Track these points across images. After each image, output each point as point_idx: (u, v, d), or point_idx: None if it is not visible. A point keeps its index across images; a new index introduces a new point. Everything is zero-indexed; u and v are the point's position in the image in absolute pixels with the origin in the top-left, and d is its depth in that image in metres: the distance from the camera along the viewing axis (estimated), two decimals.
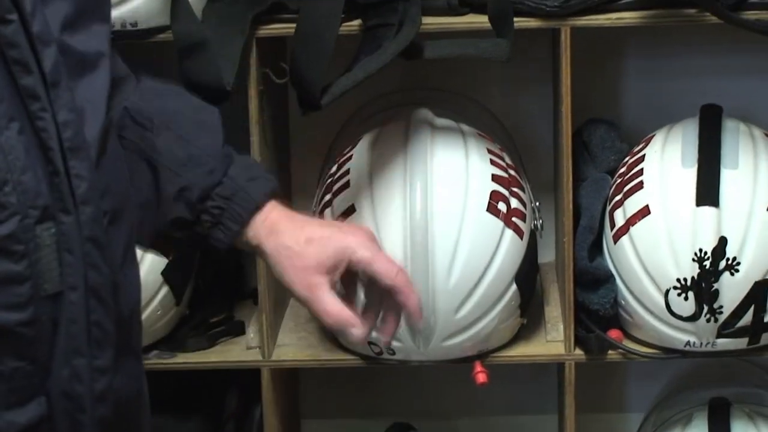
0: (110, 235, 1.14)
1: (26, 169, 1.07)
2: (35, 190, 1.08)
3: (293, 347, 2.08)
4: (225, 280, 2.21)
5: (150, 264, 2.00)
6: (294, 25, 1.83)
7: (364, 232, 1.42)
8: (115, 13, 1.87)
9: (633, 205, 1.93)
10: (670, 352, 1.98)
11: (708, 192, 1.90)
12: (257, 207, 1.34)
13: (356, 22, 1.87)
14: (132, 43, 1.91)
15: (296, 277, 1.33)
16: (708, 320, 1.88)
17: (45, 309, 1.07)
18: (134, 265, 1.22)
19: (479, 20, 1.86)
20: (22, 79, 1.06)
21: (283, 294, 2.13)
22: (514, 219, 1.93)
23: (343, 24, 1.85)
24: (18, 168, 1.07)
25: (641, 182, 1.94)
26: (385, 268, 1.31)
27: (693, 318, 1.88)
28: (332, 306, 1.28)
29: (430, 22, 1.87)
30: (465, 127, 2.00)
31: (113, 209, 1.15)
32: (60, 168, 1.09)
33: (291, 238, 1.34)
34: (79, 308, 1.08)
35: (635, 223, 1.92)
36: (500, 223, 1.89)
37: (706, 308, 1.87)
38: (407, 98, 2.12)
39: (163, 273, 2.01)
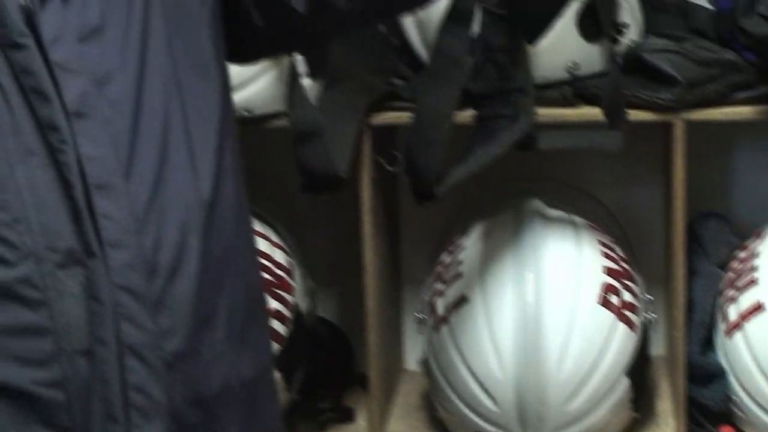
0: (174, 290, 1.10)
1: (45, 207, 1.05)
2: (56, 230, 1.05)
3: (417, 428, 2.09)
4: (334, 365, 2.19)
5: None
6: (407, 113, 1.85)
7: None
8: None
9: (747, 300, 1.91)
10: None
11: None
12: None
13: (469, 112, 1.87)
14: (246, 130, 2.00)
15: None
16: None
17: (75, 368, 1.03)
18: (227, 334, 1.16)
19: (592, 112, 1.87)
20: (40, 109, 1.04)
21: (392, 381, 2.18)
22: (625, 312, 1.91)
23: (456, 112, 1.87)
24: (35, 205, 1.05)
25: (756, 278, 1.92)
26: None
27: None
28: None
29: (544, 113, 1.89)
30: (576, 219, 2.00)
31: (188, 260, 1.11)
32: (82, 206, 1.06)
33: None
34: (111, 367, 1.03)
35: (749, 319, 1.90)
36: (612, 316, 1.88)
37: None
38: (519, 188, 2.12)
39: (275, 359, 1.99)
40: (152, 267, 1.06)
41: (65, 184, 1.04)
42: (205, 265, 1.10)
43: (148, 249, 1.06)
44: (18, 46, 1.04)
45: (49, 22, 1.04)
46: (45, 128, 1.04)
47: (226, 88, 1.24)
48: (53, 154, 1.04)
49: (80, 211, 1.04)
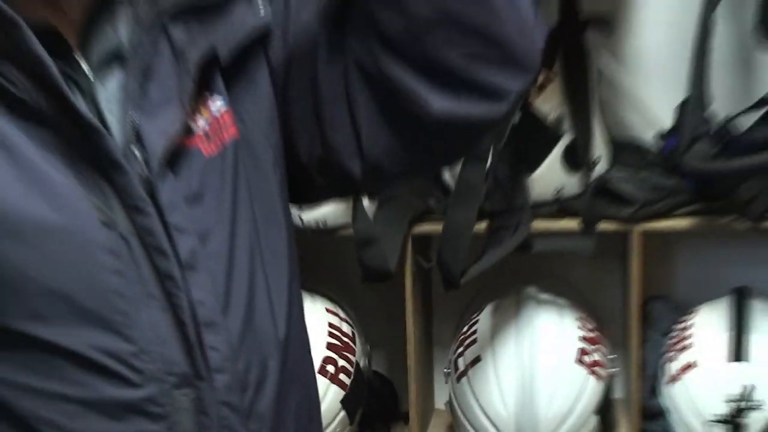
0: (260, 401, 1.19)
1: (164, 341, 1.11)
2: (172, 359, 1.12)
3: None
4: (384, 406, 2.42)
5: (332, 395, 2.21)
6: (439, 225, 2.08)
7: None
8: (310, 216, 2.17)
9: (683, 360, 2.17)
10: None
11: (739, 351, 2.13)
12: None
13: (483, 224, 2.12)
14: (321, 238, 2.20)
15: None
16: None
17: None
18: (296, 429, 1.26)
19: (572, 224, 2.14)
20: (160, 262, 1.10)
21: (427, 417, 2.44)
22: (595, 368, 2.16)
23: (475, 224, 2.07)
24: (156, 340, 1.11)
25: (689, 344, 2.19)
26: None
27: None
28: None
29: (537, 225, 2.14)
30: (560, 300, 2.26)
31: (275, 381, 1.20)
32: (194, 341, 1.13)
33: None
34: None
35: (685, 373, 2.15)
36: (585, 371, 2.15)
37: None
38: (518, 280, 2.31)
39: (342, 402, 2.23)
40: (244, 385, 1.15)
41: (179, 323, 1.12)
42: (281, 378, 1.19)
43: (241, 372, 1.14)
44: (141, 211, 1.10)
45: (165, 191, 1.11)
46: (163, 278, 1.10)
47: (290, 229, 1.28)
48: (170, 298, 1.11)
49: (192, 344, 1.12)
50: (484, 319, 2.25)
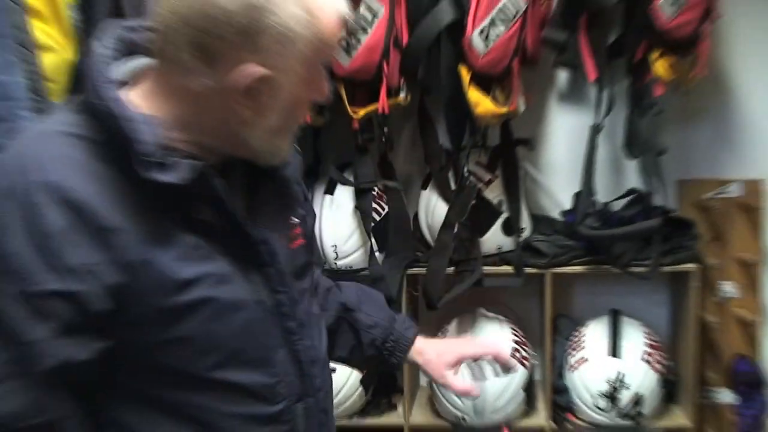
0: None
1: (289, 374, 1.15)
2: (294, 385, 1.16)
3: (422, 415, 2.30)
4: (387, 383, 2.41)
5: (354, 377, 2.24)
6: (423, 269, 2.17)
7: (465, 340, 1.76)
8: (342, 262, 2.18)
9: (578, 355, 2.25)
10: (591, 424, 2.20)
11: (615, 350, 2.21)
12: (412, 342, 1.42)
13: (452, 269, 2.18)
14: (349, 275, 2.18)
15: (435, 373, 1.42)
16: (614, 410, 2.16)
17: None
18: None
19: (508, 269, 2.20)
20: (286, 323, 1.15)
21: (414, 392, 2.40)
22: (523, 360, 2.21)
23: (447, 269, 2.14)
24: (285, 374, 1.15)
25: (582, 345, 2.26)
26: (486, 350, 1.43)
27: (607, 409, 2.17)
28: (458, 384, 1.38)
29: (486, 269, 2.18)
30: (500, 317, 2.31)
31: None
32: (306, 372, 1.17)
33: (430, 354, 1.42)
34: None
35: (580, 364, 2.23)
36: (516, 362, 2.19)
37: (612, 404, 2.16)
38: (474, 304, 2.34)
39: (361, 381, 2.26)
40: (323, 387, 1.22)
41: (297, 361, 1.16)
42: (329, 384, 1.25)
43: (327, 386, 1.23)
44: (278, 292, 1.14)
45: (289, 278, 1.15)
46: (288, 333, 1.15)
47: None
48: (291, 346, 1.16)
49: (305, 374, 1.17)
50: (452, 329, 2.29)
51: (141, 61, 1.07)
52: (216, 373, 1.08)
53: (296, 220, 1.23)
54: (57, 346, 0.97)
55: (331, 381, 1.28)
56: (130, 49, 1.08)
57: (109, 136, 1.01)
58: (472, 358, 1.44)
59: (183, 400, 1.08)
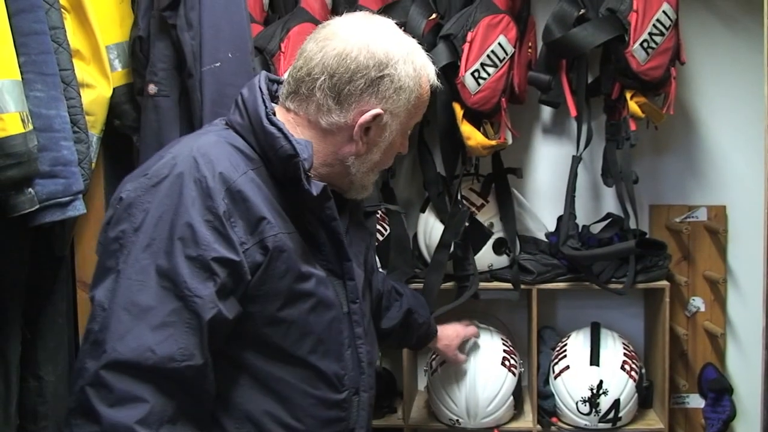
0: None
1: (353, 370, 1.29)
2: (355, 380, 1.30)
3: (420, 417, 2.29)
4: (388, 387, 2.35)
5: None
6: (420, 284, 2.14)
7: (458, 327, 1.98)
8: None
9: (562, 364, 2.24)
10: (574, 427, 2.19)
11: (594, 359, 2.20)
12: (436, 334, 1.83)
13: (449, 284, 2.18)
14: None
15: (448, 353, 1.87)
16: (595, 414, 2.15)
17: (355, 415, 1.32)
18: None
19: (502, 284, 2.21)
20: (356, 328, 1.30)
21: (412, 395, 2.37)
22: (512, 368, 2.21)
23: (444, 283, 2.16)
24: (351, 369, 1.29)
25: (566, 354, 2.25)
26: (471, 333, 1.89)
27: (588, 413, 2.16)
28: (462, 359, 1.86)
29: (482, 284, 2.18)
30: (491, 328, 2.31)
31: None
32: (364, 371, 1.32)
33: (444, 340, 1.85)
34: (363, 410, 1.34)
35: (563, 372, 2.22)
36: (506, 370, 2.19)
37: (593, 409, 2.16)
38: (467, 316, 2.28)
39: None
40: (373, 386, 1.35)
41: (359, 361, 1.31)
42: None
43: (373, 387, 1.37)
44: (354, 302, 1.28)
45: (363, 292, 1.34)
46: (355, 337, 1.31)
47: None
48: (356, 348, 1.31)
49: (363, 373, 1.32)
50: None
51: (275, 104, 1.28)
52: (307, 355, 1.22)
53: (365, 249, 1.40)
54: (216, 303, 1.11)
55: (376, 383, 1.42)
56: (270, 94, 1.29)
57: (266, 152, 1.19)
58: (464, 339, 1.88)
59: (273, 373, 1.20)
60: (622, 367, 2.20)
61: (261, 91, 1.22)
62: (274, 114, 1.22)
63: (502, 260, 2.26)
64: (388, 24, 1.27)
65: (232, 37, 1.76)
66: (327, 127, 1.23)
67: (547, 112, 2.41)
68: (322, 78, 1.20)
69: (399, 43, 1.24)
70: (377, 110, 1.22)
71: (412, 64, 1.23)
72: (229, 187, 1.14)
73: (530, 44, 2.26)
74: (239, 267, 1.14)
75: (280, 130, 1.19)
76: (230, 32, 1.75)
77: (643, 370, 2.27)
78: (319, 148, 1.25)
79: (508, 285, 2.20)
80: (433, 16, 2.08)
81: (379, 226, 2.23)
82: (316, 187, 1.20)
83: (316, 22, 2.08)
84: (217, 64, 1.75)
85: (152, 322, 1.09)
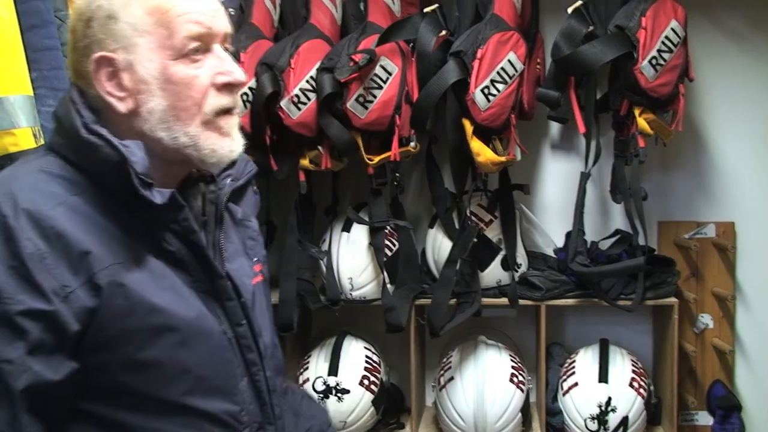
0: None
1: (251, 402, 1.12)
2: (256, 413, 1.13)
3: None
4: (396, 403, 2.38)
5: (367, 398, 2.21)
6: (428, 300, 2.21)
7: None
8: (357, 293, 2.19)
9: (570, 381, 2.25)
10: None
11: (603, 376, 2.20)
12: None
13: (454, 300, 2.19)
14: (363, 306, 2.23)
15: None
16: (602, 430, 2.14)
17: None
18: None
19: (504, 301, 2.21)
20: (248, 354, 1.12)
21: (421, 412, 2.39)
22: (520, 385, 2.23)
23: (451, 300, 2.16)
24: (248, 402, 1.12)
25: (574, 371, 2.26)
26: None
27: (596, 431, 2.15)
28: None
29: (485, 301, 2.21)
30: (499, 344, 2.33)
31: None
32: (267, 401, 1.15)
33: None
34: None
35: (572, 389, 2.23)
36: (514, 387, 2.20)
37: (601, 426, 2.16)
38: (475, 332, 2.36)
39: (372, 401, 2.23)
40: (282, 414, 1.19)
41: (258, 390, 1.14)
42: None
43: (282, 414, 1.20)
44: (240, 325, 1.11)
45: (253, 311, 1.14)
46: (249, 364, 1.12)
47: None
48: (252, 376, 1.13)
49: (266, 403, 1.15)
50: (455, 354, 2.31)
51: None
52: (183, 399, 1.04)
53: (256, 258, 1.22)
54: (29, 366, 0.94)
55: (286, 409, 1.26)
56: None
57: (95, 168, 1.02)
58: None
59: (146, 427, 1.03)
60: (631, 384, 2.20)
61: (73, 102, 1.05)
62: (97, 123, 1.04)
63: (511, 276, 2.26)
64: None
65: None
66: (97, 106, 1.05)
67: (554, 127, 2.42)
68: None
69: None
70: (97, 54, 1.03)
71: None
72: (38, 223, 0.96)
73: (538, 60, 2.27)
74: (55, 317, 0.95)
75: (101, 137, 1.01)
76: None
77: (652, 387, 2.28)
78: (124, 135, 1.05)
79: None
80: (443, 32, 2.10)
81: (387, 242, 2.25)
82: (161, 195, 1.03)
83: (326, 39, 2.12)
84: None
85: None
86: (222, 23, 1.08)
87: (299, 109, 2.07)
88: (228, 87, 1.07)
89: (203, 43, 1.06)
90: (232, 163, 1.18)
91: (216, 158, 1.07)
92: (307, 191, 2.18)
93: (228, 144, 1.08)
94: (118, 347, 1.00)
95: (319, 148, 2.14)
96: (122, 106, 1.04)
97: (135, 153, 1.01)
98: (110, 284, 0.98)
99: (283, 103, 2.07)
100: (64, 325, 0.96)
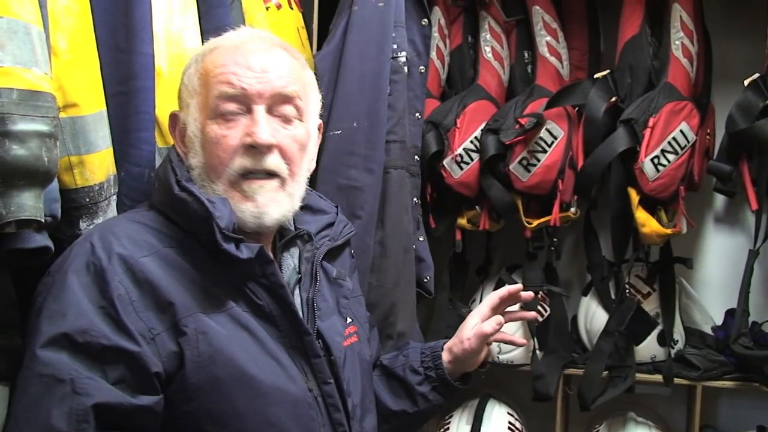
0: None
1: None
2: None
3: None
4: None
5: None
6: (580, 370, 2.11)
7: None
8: (504, 357, 2.15)
9: None
10: None
11: None
12: (442, 346, 1.44)
13: (605, 373, 2.09)
14: (510, 370, 2.18)
15: (477, 344, 1.41)
16: None
17: None
18: None
19: (658, 378, 2.07)
20: (334, 414, 1.13)
21: None
22: None
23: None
24: None
25: None
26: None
27: None
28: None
29: (639, 376, 2.07)
30: (650, 422, 2.19)
31: None
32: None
33: (460, 346, 1.41)
34: None
35: None
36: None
37: None
38: (624, 407, 2.24)
39: None
40: None
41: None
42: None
43: None
44: (327, 383, 1.12)
45: (344, 370, 1.18)
46: (335, 424, 1.14)
47: None
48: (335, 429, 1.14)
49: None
50: (603, 429, 2.24)
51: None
52: None
53: (350, 319, 1.23)
54: (107, 387, 0.98)
55: None
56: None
57: (189, 223, 1.08)
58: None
59: None
60: None
61: (170, 160, 1.13)
62: (190, 180, 1.12)
63: (666, 352, 2.18)
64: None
65: (367, 103, 1.71)
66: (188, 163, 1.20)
67: (720, 200, 2.33)
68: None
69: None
70: (172, 112, 1.20)
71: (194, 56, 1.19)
72: (129, 268, 1.03)
73: (708, 131, 2.18)
74: (139, 358, 1.00)
75: (191, 193, 1.08)
76: (367, 98, 1.71)
77: None
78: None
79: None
80: (613, 99, 2.06)
81: (539, 307, 2.21)
82: (249, 250, 1.07)
83: (492, 100, 2.12)
84: (338, 132, 1.69)
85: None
86: (268, 84, 1.11)
87: (462, 168, 2.08)
88: (253, 149, 1.10)
89: (240, 104, 1.11)
90: (330, 224, 1.24)
91: (243, 220, 1.11)
92: (461, 250, 2.18)
93: (249, 208, 1.11)
94: (202, 395, 1.02)
95: (477, 207, 2.14)
96: (187, 161, 1.14)
97: (220, 209, 1.07)
98: (195, 331, 1.02)
99: (446, 162, 2.08)
100: (147, 365, 1.00)
